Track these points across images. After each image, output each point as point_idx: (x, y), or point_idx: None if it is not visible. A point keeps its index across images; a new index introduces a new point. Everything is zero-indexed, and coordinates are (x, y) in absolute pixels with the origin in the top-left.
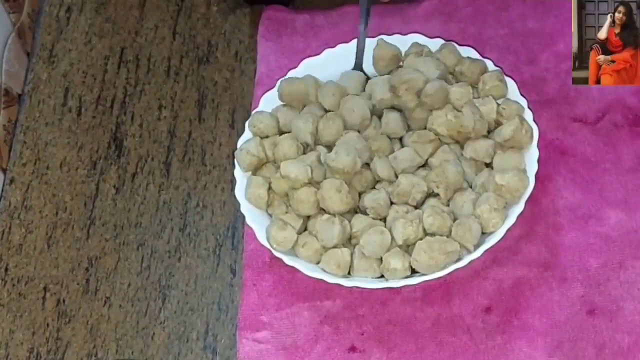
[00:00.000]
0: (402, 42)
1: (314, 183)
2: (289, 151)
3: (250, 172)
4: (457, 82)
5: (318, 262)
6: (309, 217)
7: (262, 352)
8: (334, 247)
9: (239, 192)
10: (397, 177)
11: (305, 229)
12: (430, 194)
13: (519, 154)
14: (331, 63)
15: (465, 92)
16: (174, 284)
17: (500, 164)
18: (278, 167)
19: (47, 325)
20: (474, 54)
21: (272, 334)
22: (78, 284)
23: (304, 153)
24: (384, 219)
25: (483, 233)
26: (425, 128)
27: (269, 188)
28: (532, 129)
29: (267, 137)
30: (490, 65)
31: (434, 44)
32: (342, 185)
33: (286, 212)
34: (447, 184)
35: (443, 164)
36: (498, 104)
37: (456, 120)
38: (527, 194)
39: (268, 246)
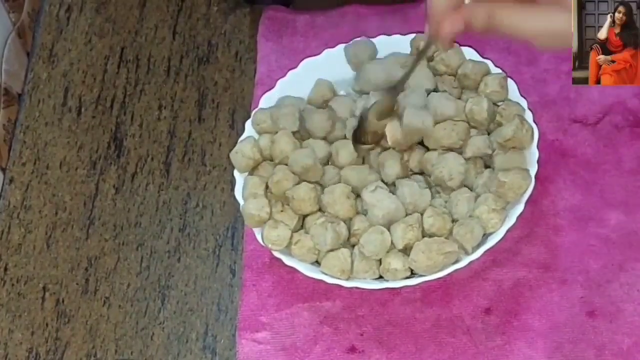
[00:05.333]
0: (402, 42)
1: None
2: (286, 147)
3: (246, 173)
4: (460, 85)
5: (312, 261)
6: (305, 216)
7: (261, 352)
8: (330, 251)
9: (239, 192)
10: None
11: (302, 228)
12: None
13: (520, 153)
14: (331, 63)
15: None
16: (173, 284)
17: (502, 163)
18: (274, 165)
19: (47, 325)
20: (475, 55)
21: (271, 335)
22: (77, 284)
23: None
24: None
25: (483, 235)
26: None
27: (266, 188)
28: (532, 129)
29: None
30: (491, 67)
31: None
32: (351, 193)
33: (281, 211)
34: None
35: (441, 155)
36: (497, 105)
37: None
38: (528, 193)
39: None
